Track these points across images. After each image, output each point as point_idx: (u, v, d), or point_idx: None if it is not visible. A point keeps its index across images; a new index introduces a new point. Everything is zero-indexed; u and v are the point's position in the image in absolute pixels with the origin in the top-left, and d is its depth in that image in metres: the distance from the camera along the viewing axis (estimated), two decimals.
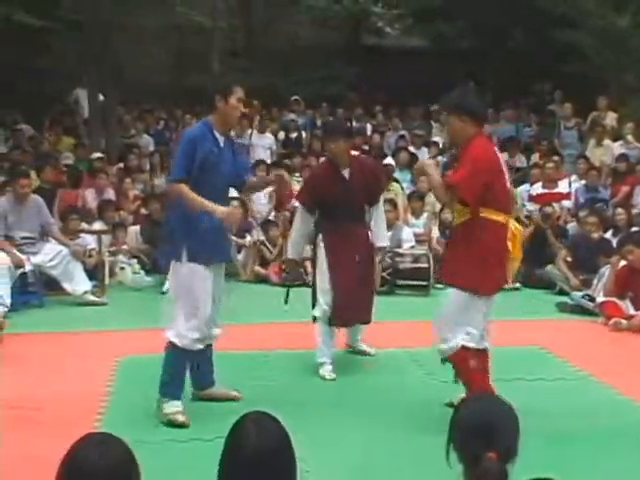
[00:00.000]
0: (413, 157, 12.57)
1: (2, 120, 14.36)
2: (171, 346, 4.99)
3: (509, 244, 4.90)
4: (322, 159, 11.78)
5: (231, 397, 5.38)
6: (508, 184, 5.04)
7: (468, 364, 4.82)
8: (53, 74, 16.73)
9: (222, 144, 5.02)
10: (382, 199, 6.49)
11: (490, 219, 4.78)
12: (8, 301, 7.77)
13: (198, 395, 5.41)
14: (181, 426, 4.89)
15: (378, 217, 6.35)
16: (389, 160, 12.34)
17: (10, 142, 13.41)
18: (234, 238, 9.92)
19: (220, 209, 4.82)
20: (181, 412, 4.97)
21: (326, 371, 5.98)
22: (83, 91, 14.60)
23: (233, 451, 2.31)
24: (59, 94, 16.23)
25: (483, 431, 2.35)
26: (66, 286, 8.34)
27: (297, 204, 6.43)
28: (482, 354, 4.89)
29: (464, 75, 17.61)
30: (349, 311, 6.06)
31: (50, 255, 8.31)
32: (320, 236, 6.13)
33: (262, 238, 10.24)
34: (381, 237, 6.39)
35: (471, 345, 4.81)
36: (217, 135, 5.00)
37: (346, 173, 6.08)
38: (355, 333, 6.58)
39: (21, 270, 8.13)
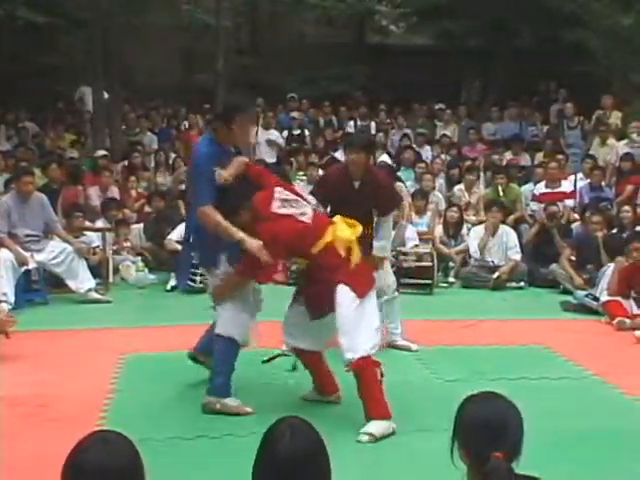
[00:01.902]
0: (418, 155, 12.54)
1: (6, 118, 14.38)
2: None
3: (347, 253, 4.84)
4: (326, 157, 11.85)
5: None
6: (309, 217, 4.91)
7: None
8: (58, 72, 16.76)
9: None
10: (391, 216, 6.45)
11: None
12: (12, 299, 7.80)
13: None
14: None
15: (383, 229, 6.28)
16: (384, 157, 11.97)
17: (14, 139, 13.43)
18: None
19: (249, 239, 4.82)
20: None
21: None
22: (88, 89, 14.61)
23: (267, 455, 2.30)
24: (63, 92, 16.24)
25: (488, 430, 2.35)
26: (70, 284, 8.34)
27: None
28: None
29: (469, 73, 17.67)
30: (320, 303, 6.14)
31: (54, 253, 8.31)
32: None
33: None
34: (379, 247, 6.25)
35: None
36: None
37: (357, 184, 6.09)
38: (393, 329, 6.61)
39: (25, 268, 8.13)
